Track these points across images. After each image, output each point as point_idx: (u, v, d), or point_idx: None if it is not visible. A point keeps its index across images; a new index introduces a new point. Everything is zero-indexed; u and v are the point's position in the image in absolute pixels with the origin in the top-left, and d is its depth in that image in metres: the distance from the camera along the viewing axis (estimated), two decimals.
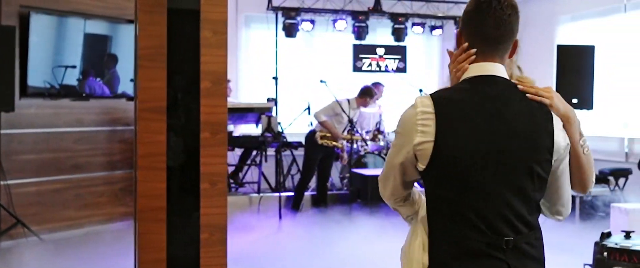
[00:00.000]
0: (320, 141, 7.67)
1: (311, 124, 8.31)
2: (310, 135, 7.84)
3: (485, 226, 1.83)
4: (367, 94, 7.98)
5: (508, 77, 1.93)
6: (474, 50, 1.90)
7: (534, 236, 1.90)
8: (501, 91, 1.89)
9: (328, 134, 7.76)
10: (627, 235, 3.82)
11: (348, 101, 7.87)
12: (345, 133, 7.99)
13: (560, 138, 1.88)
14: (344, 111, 7.75)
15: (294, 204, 7.77)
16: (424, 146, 1.84)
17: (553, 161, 1.88)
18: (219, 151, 3.23)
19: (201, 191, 3.19)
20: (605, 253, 3.74)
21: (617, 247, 3.71)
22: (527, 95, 1.90)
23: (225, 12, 3.24)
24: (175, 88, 3.19)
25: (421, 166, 1.87)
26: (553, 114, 1.89)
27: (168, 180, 3.16)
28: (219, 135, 3.22)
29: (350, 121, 7.86)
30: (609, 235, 3.79)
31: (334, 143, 7.82)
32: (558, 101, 1.92)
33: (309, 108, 8.43)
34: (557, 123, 1.89)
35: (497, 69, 1.90)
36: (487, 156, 1.83)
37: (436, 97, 1.87)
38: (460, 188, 1.85)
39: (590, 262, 3.80)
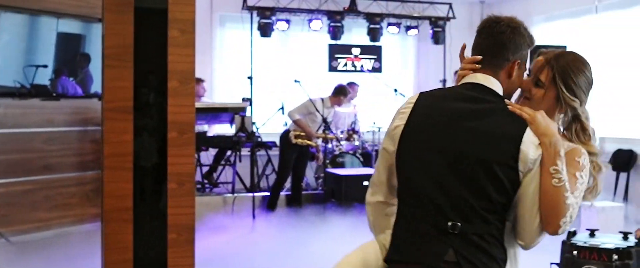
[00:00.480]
0: (294, 141, 7.66)
1: (286, 124, 8.30)
2: (285, 135, 7.83)
3: (434, 210, 1.95)
4: (341, 92, 8.00)
5: (500, 92, 2.05)
6: (479, 58, 2.08)
7: (488, 232, 1.95)
8: (480, 96, 2.01)
9: (302, 134, 7.75)
10: (592, 233, 3.85)
11: (322, 100, 7.89)
12: (320, 131, 8.00)
13: (530, 149, 1.93)
14: (317, 110, 7.75)
15: (270, 204, 7.76)
16: (397, 130, 2.04)
17: (520, 172, 1.93)
18: (186, 151, 3.20)
19: (168, 191, 3.16)
20: (574, 252, 3.75)
21: (587, 245, 3.74)
22: (508, 107, 2.01)
23: (193, 12, 3.22)
24: (142, 87, 3.17)
25: (394, 152, 2.05)
26: (529, 129, 1.96)
27: (135, 180, 3.14)
28: (187, 135, 3.20)
29: (324, 120, 7.87)
30: (574, 233, 3.82)
31: (308, 142, 7.82)
32: (541, 121, 1.97)
33: (283, 108, 8.42)
34: (531, 137, 1.95)
35: (487, 80, 2.05)
36: (445, 145, 1.97)
37: (423, 93, 2.11)
38: (418, 172, 1.99)
39: (557, 261, 3.82)
